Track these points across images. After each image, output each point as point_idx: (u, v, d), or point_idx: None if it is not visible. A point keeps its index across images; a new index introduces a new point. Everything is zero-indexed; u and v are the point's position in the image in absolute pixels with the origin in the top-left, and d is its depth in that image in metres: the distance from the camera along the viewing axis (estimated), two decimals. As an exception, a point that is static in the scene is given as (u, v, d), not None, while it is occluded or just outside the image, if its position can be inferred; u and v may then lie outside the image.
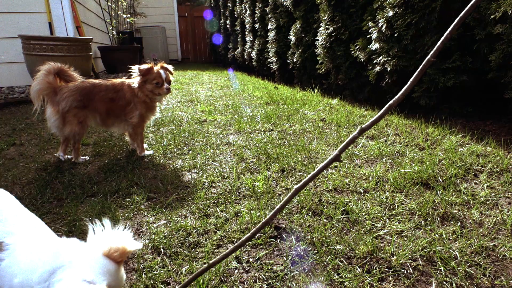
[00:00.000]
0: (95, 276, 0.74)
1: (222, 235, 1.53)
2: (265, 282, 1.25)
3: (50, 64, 2.26)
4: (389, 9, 3.08)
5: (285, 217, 1.65)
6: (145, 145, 2.64)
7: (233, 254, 1.40)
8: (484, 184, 1.84)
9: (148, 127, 3.29)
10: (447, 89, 2.82)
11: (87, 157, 2.47)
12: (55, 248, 0.84)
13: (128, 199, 1.88)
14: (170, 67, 2.55)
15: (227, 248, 1.44)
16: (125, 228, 0.89)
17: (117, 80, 2.48)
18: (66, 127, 2.27)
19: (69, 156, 2.45)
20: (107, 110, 2.38)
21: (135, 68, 2.42)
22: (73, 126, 2.28)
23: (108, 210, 1.75)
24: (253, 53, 7.63)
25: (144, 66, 2.38)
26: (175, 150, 2.64)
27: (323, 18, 4.32)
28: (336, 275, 1.27)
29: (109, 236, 0.82)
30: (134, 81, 2.42)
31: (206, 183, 2.05)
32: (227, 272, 1.31)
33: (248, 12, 7.90)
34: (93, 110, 2.34)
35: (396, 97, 0.72)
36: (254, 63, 7.82)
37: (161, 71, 2.42)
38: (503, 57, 2.34)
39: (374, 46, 3.34)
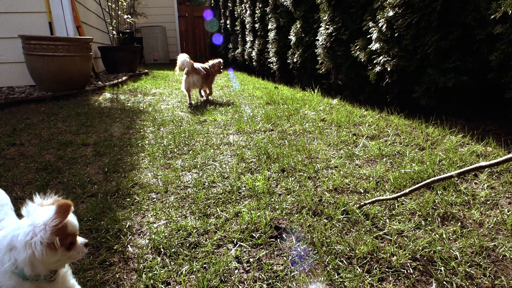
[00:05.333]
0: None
1: (222, 235, 1.53)
2: (265, 282, 1.25)
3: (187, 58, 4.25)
4: (389, 9, 3.08)
5: (285, 217, 1.65)
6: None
7: (233, 254, 1.40)
8: (484, 184, 1.84)
9: (149, 126, 3.29)
10: (447, 89, 2.82)
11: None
12: None
13: (128, 199, 1.88)
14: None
15: (227, 248, 1.44)
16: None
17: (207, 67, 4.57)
18: (208, 84, 4.67)
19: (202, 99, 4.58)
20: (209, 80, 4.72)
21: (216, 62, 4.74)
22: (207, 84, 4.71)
23: (108, 210, 1.75)
24: (253, 53, 7.63)
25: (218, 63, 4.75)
26: (175, 150, 2.64)
27: (323, 18, 4.32)
28: (336, 275, 1.27)
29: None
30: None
31: (206, 183, 2.05)
32: (227, 272, 1.31)
33: (248, 12, 7.90)
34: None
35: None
36: (254, 63, 7.82)
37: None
38: (503, 57, 2.34)
39: (374, 46, 3.34)
